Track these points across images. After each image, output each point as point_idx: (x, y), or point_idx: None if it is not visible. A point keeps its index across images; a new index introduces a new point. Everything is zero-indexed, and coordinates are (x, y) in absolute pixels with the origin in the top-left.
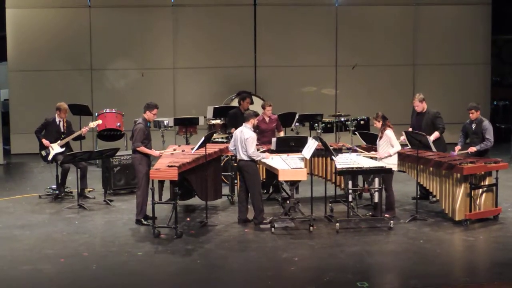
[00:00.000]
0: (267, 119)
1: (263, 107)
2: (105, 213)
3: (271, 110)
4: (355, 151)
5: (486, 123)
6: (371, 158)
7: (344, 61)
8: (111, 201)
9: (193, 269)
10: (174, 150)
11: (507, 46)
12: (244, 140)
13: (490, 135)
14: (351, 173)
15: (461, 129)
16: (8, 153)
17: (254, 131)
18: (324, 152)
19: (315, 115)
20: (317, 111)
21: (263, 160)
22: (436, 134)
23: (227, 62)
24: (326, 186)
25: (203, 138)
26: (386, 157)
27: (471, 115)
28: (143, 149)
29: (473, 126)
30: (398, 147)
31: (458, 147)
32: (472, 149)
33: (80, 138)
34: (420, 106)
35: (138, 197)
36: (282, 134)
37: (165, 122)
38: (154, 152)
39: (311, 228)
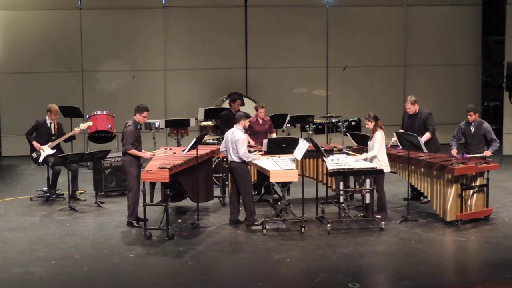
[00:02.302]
0: (260, 120)
1: (256, 109)
2: (96, 215)
3: (264, 112)
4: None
5: (487, 125)
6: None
7: (335, 62)
8: (102, 203)
9: (184, 271)
10: (165, 151)
11: (497, 47)
12: (235, 141)
13: (494, 135)
14: (342, 174)
15: (456, 131)
16: None
17: (247, 132)
18: (315, 153)
19: (306, 116)
20: (308, 112)
21: (254, 162)
22: (427, 135)
23: (218, 63)
24: (317, 187)
25: (194, 140)
26: (364, 159)
27: (469, 117)
28: (133, 151)
29: (472, 128)
30: (375, 152)
31: (454, 151)
32: (488, 152)
33: (71, 139)
34: (412, 109)
35: (129, 199)
36: (274, 136)
37: (156, 124)
38: (144, 154)
39: (303, 229)
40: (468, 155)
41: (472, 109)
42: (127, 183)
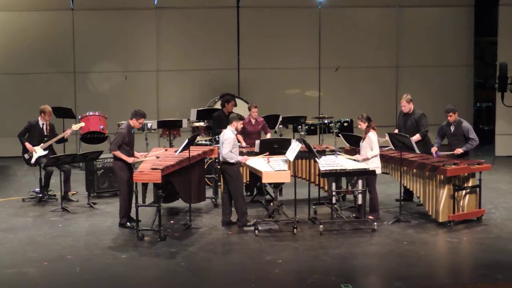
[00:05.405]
0: (253, 121)
1: (249, 109)
2: (88, 216)
3: (257, 112)
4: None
5: (466, 124)
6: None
7: (328, 63)
8: (94, 204)
9: (177, 272)
10: (157, 157)
11: (489, 48)
12: (222, 141)
13: (473, 134)
14: (335, 175)
15: (438, 130)
16: None
17: (240, 133)
18: (307, 154)
19: (298, 117)
20: (301, 113)
21: (247, 162)
22: (416, 137)
23: (210, 64)
24: (309, 188)
25: (186, 141)
26: (364, 160)
27: (449, 117)
28: (118, 153)
29: (452, 128)
30: (376, 152)
31: (434, 148)
32: (459, 150)
33: (63, 140)
34: (407, 107)
35: (121, 201)
36: (268, 136)
37: (149, 125)
38: (128, 159)
39: (295, 230)
40: (441, 153)
41: (451, 110)
42: (118, 187)
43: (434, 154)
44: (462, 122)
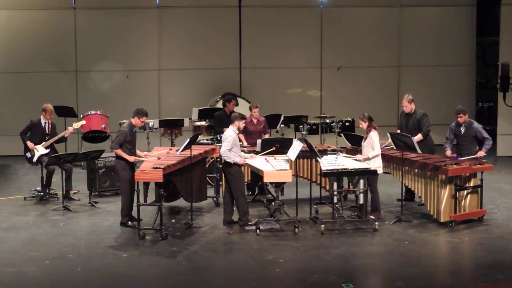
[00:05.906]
0: (254, 120)
1: (250, 109)
2: (90, 215)
3: (258, 112)
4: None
5: (477, 125)
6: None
7: (329, 63)
8: (96, 203)
9: (178, 271)
10: (159, 158)
11: (491, 48)
12: (223, 140)
13: (486, 134)
14: (336, 175)
15: (448, 132)
16: None
17: (241, 132)
18: (309, 153)
19: (300, 116)
20: (302, 113)
21: (248, 162)
22: (418, 136)
23: (212, 63)
24: (311, 188)
25: (188, 140)
26: (365, 159)
27: (459, 118)
28: (119, 152)
29: (462, 129)
30: (377, 152)
31: (449, 152)
32: (481, 153)
33: (62, 140)
34: (409, 107)
35: (123, 200)
36: (267, 137)
37: (150, 124)
38: (129, 157)
39: (296, 229)
40: (462, 158)
41: (461, 111)
42: (120, 186)
43: (454, 155)
44: (473, 123)
